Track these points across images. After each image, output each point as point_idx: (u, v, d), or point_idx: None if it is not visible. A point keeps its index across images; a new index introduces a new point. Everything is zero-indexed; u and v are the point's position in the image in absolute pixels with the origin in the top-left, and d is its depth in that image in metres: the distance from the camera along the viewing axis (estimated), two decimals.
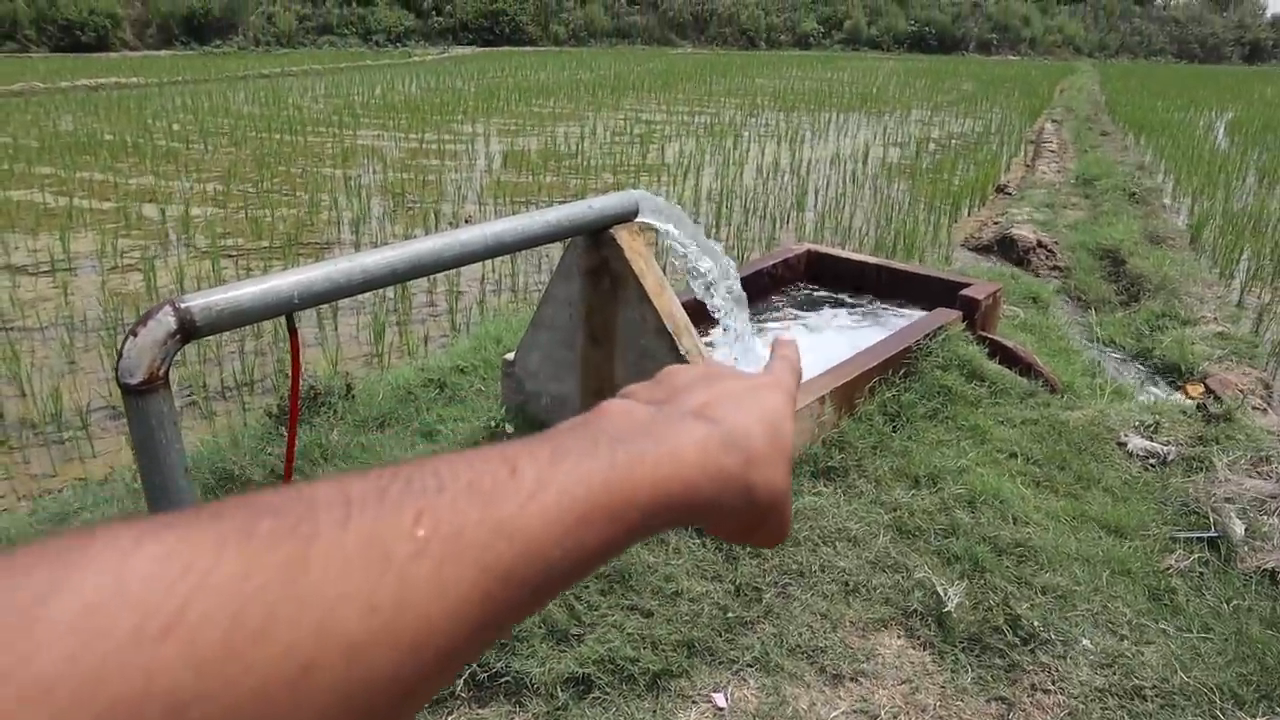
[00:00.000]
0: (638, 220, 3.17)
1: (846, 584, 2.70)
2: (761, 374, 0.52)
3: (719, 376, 0.48)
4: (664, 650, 2.44)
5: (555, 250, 6.96)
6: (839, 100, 20.08)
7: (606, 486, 0.36)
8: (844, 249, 5.99)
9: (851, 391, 3.47)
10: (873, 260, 5.11)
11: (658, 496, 0.38)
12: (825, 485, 3.14)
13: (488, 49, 37.39)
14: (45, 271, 7.02)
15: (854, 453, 3.29)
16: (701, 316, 3.93)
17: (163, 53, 32.27)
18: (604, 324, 3.15)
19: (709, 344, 3.66)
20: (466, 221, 8.41)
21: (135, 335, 2.00)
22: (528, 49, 38.22)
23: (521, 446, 0.37)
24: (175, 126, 14.55)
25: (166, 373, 2.04)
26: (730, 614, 2.57)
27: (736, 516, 0.43)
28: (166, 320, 1.99)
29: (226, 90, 19.78)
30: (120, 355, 2.00)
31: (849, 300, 4.87)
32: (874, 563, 2.78)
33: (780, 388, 0.50)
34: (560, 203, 3.11)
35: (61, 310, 6.13)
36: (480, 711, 2.36)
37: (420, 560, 0.30)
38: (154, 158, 11.71)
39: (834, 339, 4.29)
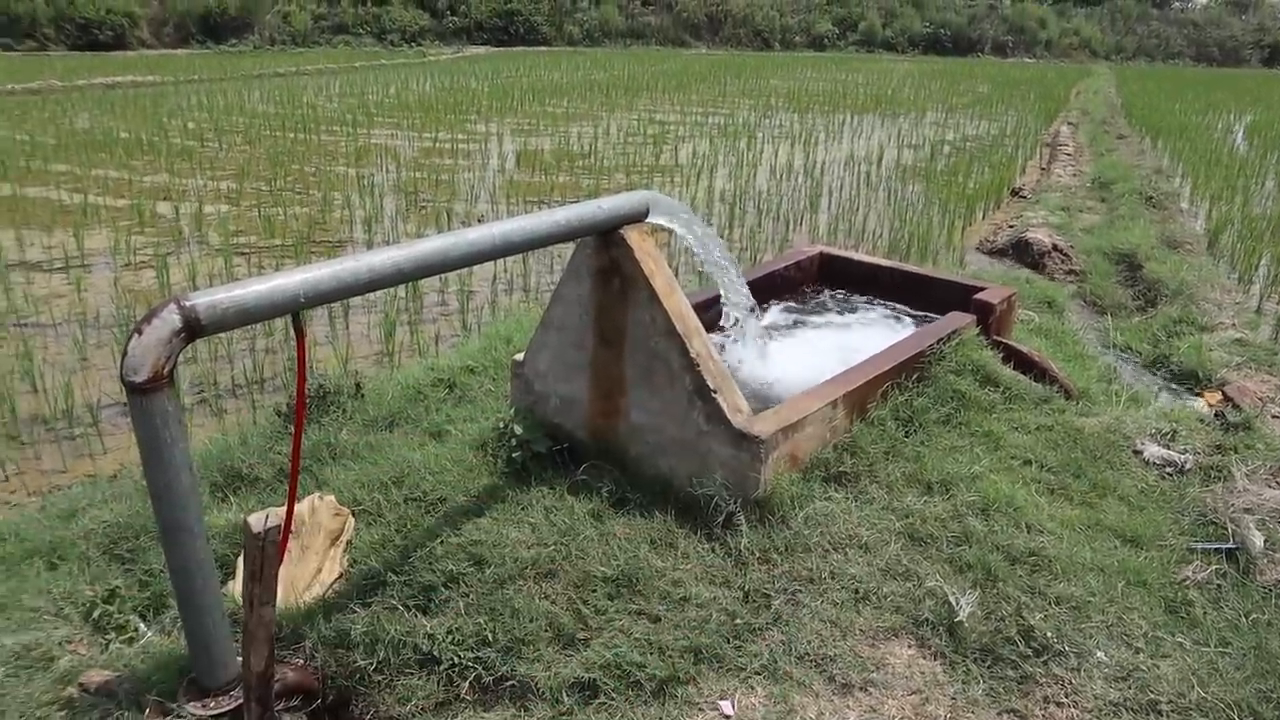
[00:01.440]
0: (648, 221, 3.15)
1: (857, 591, 2.66)
2: None
3: None
4: (671, 656, 2.41)
5: (567, 250, 6.92)
6: (853, 102, 20.01)
7: None
8: (857, 251, 5.95)
9: (864, 396, 3.44)
10: (886, 263, 5.06)
11: None
12: (836, 491, 3.10)
13: (502, 49, 37.41)
14: (59, 268, 7.05)
15: (866, 458, 3.25)
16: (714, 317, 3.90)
17: (179, 51, 32.43)
18: (614, 325, 3.12)
19: (720, 346, 3.62)
20: (479, 221, 8.40)
21: (140, 333, 1.98)
22: (542, 49, 38.21)
23: None
24: (190, 125, 14.60)
25: (172, 371, 2.02)
26: (739, 620, 2.54)
27: None
28: (171, 318, 1.97)
29: (242, 89, 19.83)
30: (125, 353, 1.98)
31: (861, 303, 4.83)
32: (885, 570, 2.74)
33: None
34: (573, 203, 3.08)
35: (74, 307, 6.14)
36: (485, 715, 2.34)
37: None
38: (169, 155, 11.74)
39: (846, 342, 4.25)
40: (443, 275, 5.96)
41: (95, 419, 4.54)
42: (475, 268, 6.67)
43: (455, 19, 39.32)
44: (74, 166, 10.89)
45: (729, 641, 2.48)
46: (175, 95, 18.48)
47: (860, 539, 2.86)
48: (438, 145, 13.03)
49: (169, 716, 2.33)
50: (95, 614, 2.75)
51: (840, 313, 4.69)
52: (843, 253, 5.24)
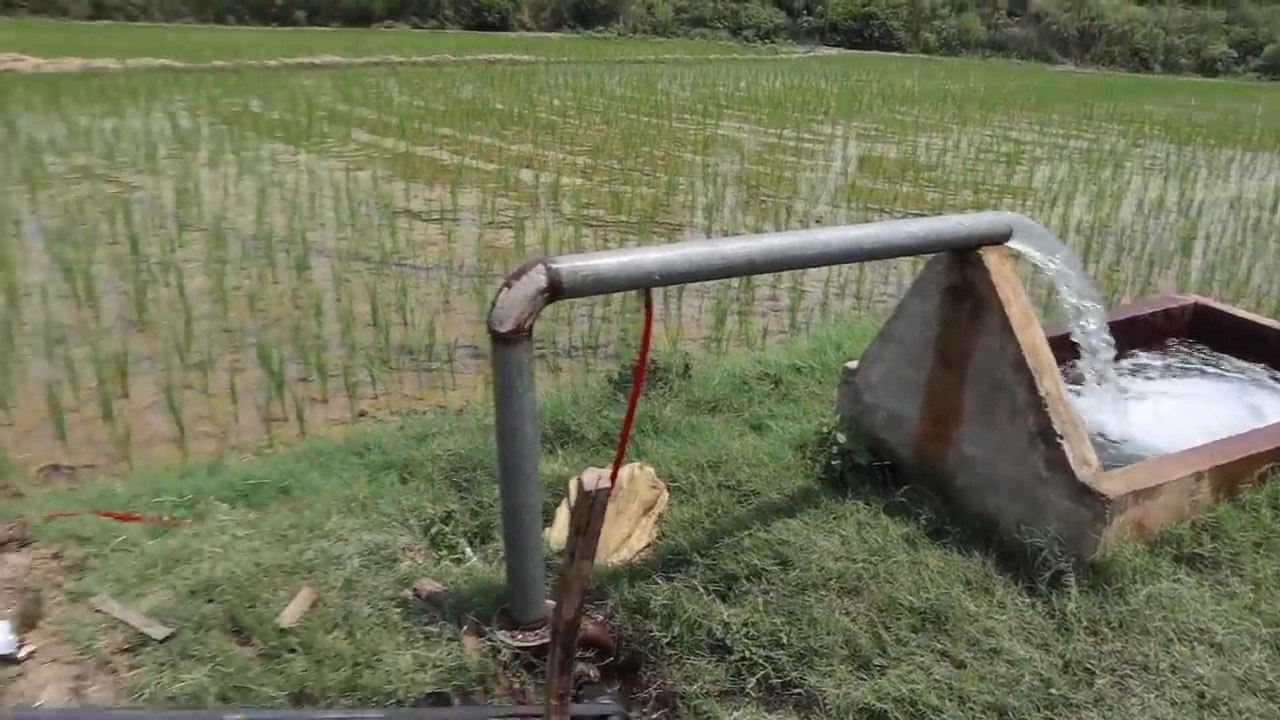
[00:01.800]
0: (1007, 245, 2.95)
1: (1202, 695, 2.33)
2: None
3: None
4: (972, 709, 2.25)
5: (902, 264, 6.73)
6: (1246, 136, 17.56)
7: None
8: (1238, 307, 5.21)
9: (1237, 473, 3.00)
10: (1277, 325, 4.38)
11: None
12: (1188, 574, 2.73)
13: (854, 52, 37.00)
14: (435, 219, 7.95)
15: (1230, 544, 2.84)
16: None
17: (552, 34, 35.55)
18: (958, 349, 2.96)
19: (1076, 392, 3.32)
20: (817, 223, 8.37)
21: (509, 287, 2.16)
22: (895, 55, 37.32)
23: None
24: (555, 101, 15.86)
25: (530, 326, 2.19)
26: (1053, 690, 2.32)
27: None
28: (538, 278, 2.13)
29: (603, 72, 21.22)
30: (494, 304, 2.17)
31: (1241, 367, 4.22)
32: (1242, 681, 2.37)
33: None
34: (915, 215, 2.95)
35: (444, 254, 6.90)
36: (768, 716, 2.32)
37: None
38: (534, 128, 12.84)
39: (1216, 409, 3.74)
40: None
41: (450, 357, 5.07)
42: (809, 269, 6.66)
43: (810, 19, 39.49)
44: (455, 131, 12.24)
45: (1039, 710, 2.27)
46: (545, 74, 20.18)
47: (1213, 636, 2.50)
48: (782, 142, 13.14)
49: (482, 638, 2.54)
50: (433, 530, 3.06)
51: (1214, 374, 4.14)
52: (1222, 306, 4.61)
